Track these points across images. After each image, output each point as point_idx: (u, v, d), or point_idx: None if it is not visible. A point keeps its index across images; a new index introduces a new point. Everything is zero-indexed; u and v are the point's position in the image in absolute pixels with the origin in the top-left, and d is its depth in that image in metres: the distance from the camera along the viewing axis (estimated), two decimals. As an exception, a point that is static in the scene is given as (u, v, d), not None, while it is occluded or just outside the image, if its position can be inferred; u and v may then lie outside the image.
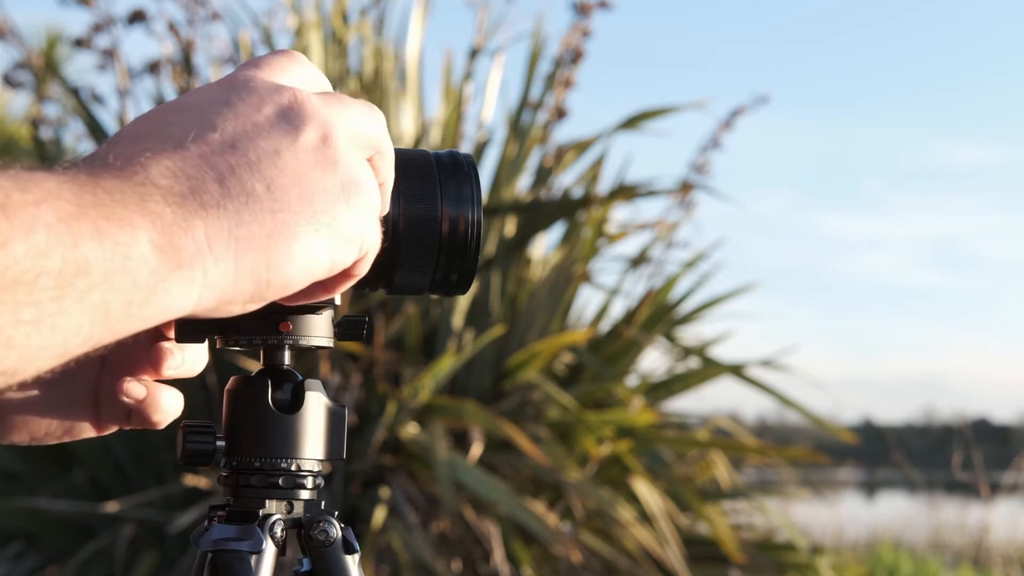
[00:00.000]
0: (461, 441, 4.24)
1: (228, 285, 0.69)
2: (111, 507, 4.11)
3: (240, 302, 0.71)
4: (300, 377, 0.91)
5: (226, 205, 0.69)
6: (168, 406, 0.87)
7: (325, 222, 0.72)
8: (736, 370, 4.71)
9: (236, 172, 0.70)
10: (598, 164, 4.92)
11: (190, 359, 0.88)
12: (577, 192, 4.95)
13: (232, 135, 0.71)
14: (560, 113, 4.84)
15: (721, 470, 4.72)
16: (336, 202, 0.73)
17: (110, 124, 4.82)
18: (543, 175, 4.87)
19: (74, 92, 4.85)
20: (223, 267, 0.68)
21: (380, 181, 0.80)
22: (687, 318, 5.02)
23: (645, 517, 4.26)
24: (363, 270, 0.78)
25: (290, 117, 0.73)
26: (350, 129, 0.76)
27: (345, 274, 0.77)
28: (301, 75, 0.79)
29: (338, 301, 0.86)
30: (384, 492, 4.09)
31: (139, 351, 0.87)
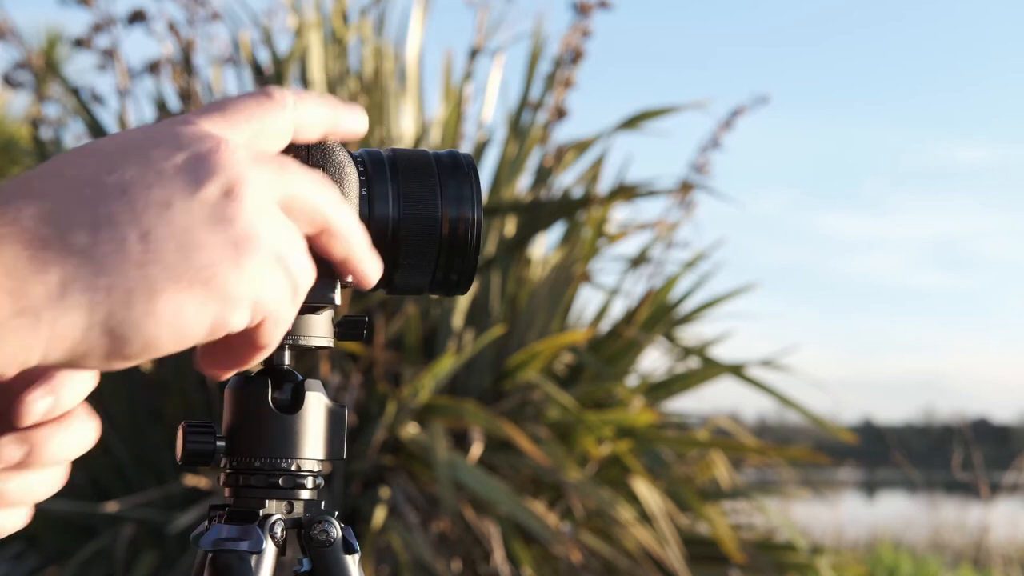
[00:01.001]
0: (461, 441, 4.24)
1: (80, 338, 0.65)
2: (111, 507, 4.11)
3: (97, 357, 0.66)
4: (300, 377, 0.91)
5: (92, 253, 0.65)
6: (56, 453, 0.76)
7: (201, 279, 0.67)
8: (736, 370, 4.71)
9: (114, 219, 0.66)
10: (598, 164, 4.92)
11: (67, 397, 0.76)
12: (577, 192, 4.95)
13: (128, 181, 0.67)
14: (560, 113, 4.84)
15: (721, 470, 4.72)
16: (221, 259, 0.67)
17: (110, 124, 4.82)
18: (543, 175, 4.87)
19: (74, 92, 4.85)
20: (73, 317, 0.64)
21: (338, 258, 0.75)
22: (687, 318, 5.02)
23: (645, 517, 4.26)
24: (271, 339, 0.72)
25: (196, 168, 0.68)
26: (279, 192, 0.71)
27: (251, 342, 0.72)
28: (270, 122, 0.74)
29: (338, 301, 0.86)
30: (384, 492, 4.09)
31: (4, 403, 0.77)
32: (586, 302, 8.00)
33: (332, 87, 4.77)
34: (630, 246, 11.56)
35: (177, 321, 0.67)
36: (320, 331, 0.89)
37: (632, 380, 4.87)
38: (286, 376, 0.91)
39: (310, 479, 0.90)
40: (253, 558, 0.87)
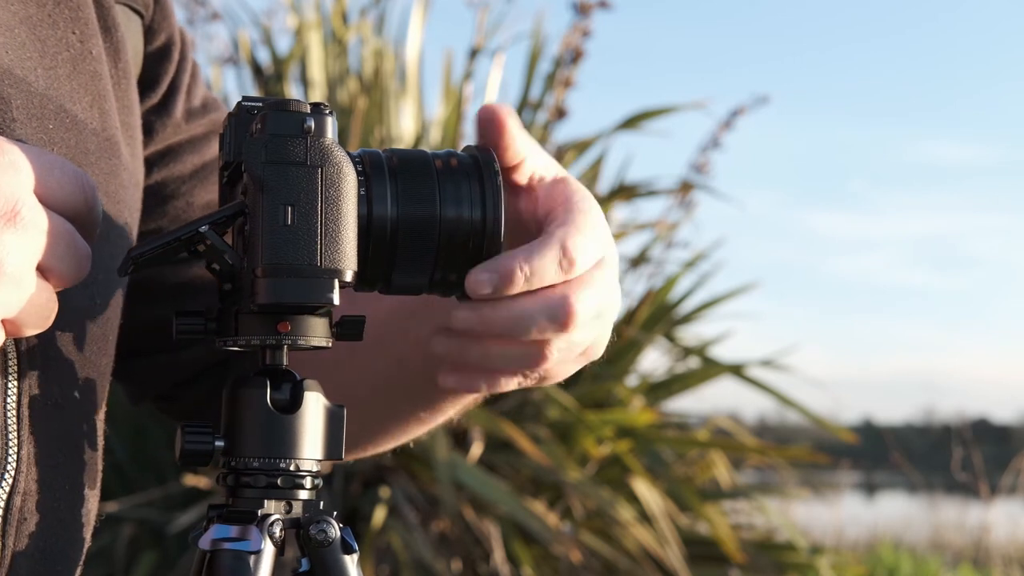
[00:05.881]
0: (461, 441, 4.24)
1: None
2: (111, 507, 4.11)
3: None
4: (299, 377, 0.91)
5: None
6: None
7: None
8: (736, 370, 4.71)
9: None
10: (598, 164, 4.92)
11: None
12: (577, 192, 4.94)
13: None
14: (560, 113, 4.84)
15: (721, 470, 4.71)
16: None
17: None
18: (543, 175, 4.86)
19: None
20: None
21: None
22: (687, 318, 5.02)
23: (645, 517, 4.26)
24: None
25: None
26: None
27: None
28: None
29: (336, 301, 0.86)
30: (384, 492, 4.09)
31: None
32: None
33: (332, 87, 4.77)
34: (630, 246, 11.53)
35: None
36: (318, 331, 0.89)
37: (632, 380, 4.87)
38: (285, 376, 0.90)
39: (309, 479, 0.90)
40: (251, 558, 0.87)
